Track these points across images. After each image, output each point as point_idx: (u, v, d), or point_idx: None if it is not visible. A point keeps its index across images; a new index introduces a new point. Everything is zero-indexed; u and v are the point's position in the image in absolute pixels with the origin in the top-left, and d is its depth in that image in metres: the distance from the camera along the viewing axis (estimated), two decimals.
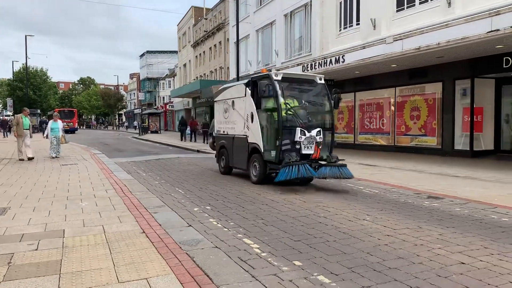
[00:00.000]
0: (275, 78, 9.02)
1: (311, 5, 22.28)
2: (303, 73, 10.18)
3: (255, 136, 9.53)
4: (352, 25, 19.60)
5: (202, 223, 5.94)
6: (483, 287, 3.65)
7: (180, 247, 4.69)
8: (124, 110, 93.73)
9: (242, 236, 5.28)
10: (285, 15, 25.14)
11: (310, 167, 8.52)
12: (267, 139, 9.37)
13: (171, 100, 59.43)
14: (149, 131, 46.53)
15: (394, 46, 13.92)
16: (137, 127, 55.40)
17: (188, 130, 30.79)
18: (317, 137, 8.96)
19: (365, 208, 6.93)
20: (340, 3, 20.37)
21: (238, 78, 24.13)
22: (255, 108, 9.55)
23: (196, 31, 48.05)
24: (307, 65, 19.61)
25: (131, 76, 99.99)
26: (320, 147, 9.10)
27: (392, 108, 18.44)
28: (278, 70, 20.21)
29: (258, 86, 9.01)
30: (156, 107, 71.03)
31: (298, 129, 8.78)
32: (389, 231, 5.50)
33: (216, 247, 4.79)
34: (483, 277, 3.87)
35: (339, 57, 17.06)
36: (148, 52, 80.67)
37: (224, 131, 11.54)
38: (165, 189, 9.09)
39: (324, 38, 21.35)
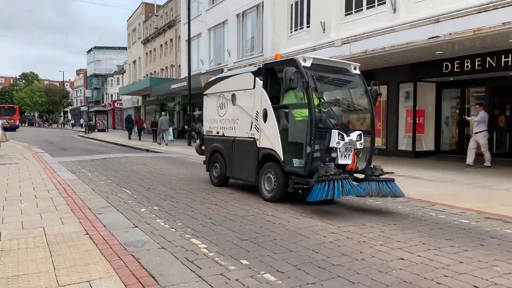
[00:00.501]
0: (303, 64, 6.86)
1: (263, 6, 22.45)
2: (335, 59, 8.24)
3: (271, 140, 7.40)
4: (303, 28, 19.94)
5: (149, 224, 5.83)
6: (420, 281, 3.83)
7: (125, 249, 4.58)
8: (70, 107, 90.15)
9: (189, 236, 5.24)
10: (238, 15, 25.17)
11: (354, 183, 6.64)
12: (290, 144, 7.24)
13: (120, 98, 57.81)
14: (96, 130, 45.05)
15: (343, 49, 14.32)
16: (84, 125, 53.47)
17: (135, 129, 30.23)
18: (358, 143, 6.98)
19: (311, 207, 7.06)
20: (292, 5, 20.66)
21: (189, 77, 23.93)
22: (270, 104, 7.46)
23: (147, 28, 47.07)
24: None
25: (78, 72, 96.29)
26: (359, 155, 7.24)
27: None
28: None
29: (284, 75, 6.61)
30: (103, 104, 68.90)
31: (335, 132, 6.73)
32: (334, 228, 5.66)
33: (163, 248, 4.72)
34: (420, 272, 4.06)
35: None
36: (96, 47, 78.03)
37: (218, 132, 9.19)
38: (111, 189, 8.83)
39: (276, 39, 21.57)
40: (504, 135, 14.98)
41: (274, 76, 7.54)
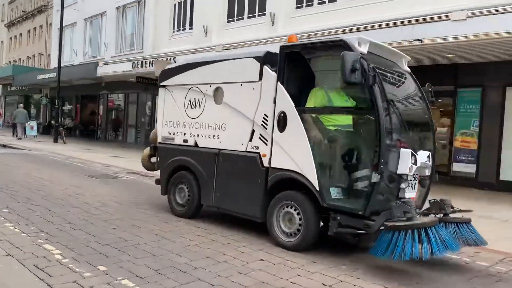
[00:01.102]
0: (360, 49, 4.76)
1: (145, 2, 21.79)
2: (390, 47, 5.71)
3: (295, 158, 5.08)
4: (185, 29, 19.81)
5: None
6: (276, 281, 4.03)
7: None
8: None
9: (43, 241, 4.79)
10: (117, 8, 24.04)
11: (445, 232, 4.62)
12: (329, 166, 5.22)
13: None
14: None
15: (223, 55, 14.57)
16: None
17: None
18: (427, 168, 4.99)
19: None
20: (175, 5, 20.42)
21: (59, 68, 22.17)
22: (293, 105, 5.17)
23: (12, 10, 42.45)
24: (137, 62, 19.18)
25: None
26: (426, 185, 5.20)
27: None
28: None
29: (342, 64, 4.42)
30: None
31: (408, 152, 4.63)
32: (201, 231, 5.69)
33: (9, 254, 4.25)
34: (277, 272, 4.27)
35: (171, 58, 17.09)
36: None
37: (186, 140, 6.53)
38: None
39: (157, 38, 21.08)
40: None
41: (298, 65, 5.44)
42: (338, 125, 5.19)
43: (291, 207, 5.13)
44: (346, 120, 5.20)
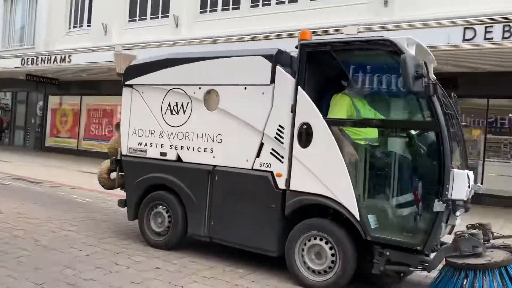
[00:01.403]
0: (411, 53, 4.01)
1: None
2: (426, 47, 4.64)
3: (326, 181, 4.19)
4: (82, 26, 18.76)
5: None
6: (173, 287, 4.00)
7: None
8: None
9: None
10: None
11: None
12: (369, 190, 4.35)
13: None
14: None
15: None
16: None
17: None
18: (476, 190, 4.33)
19: (71, 219, 6.57)
20: (71, 0, 19.26)
21: None
22: (320, 115, 4.32)
23: None
24: (28, 59, 17.76)
25: None
26: (468, 209, 4.25)
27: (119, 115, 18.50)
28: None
29: (403, 69, 3.68)
30: None
31: (464, 174, 4.00)
32: (94, 241, 5.39)
33: None
34: (172, 279, 4.21)
35: (65, 56, 16.22)
36: None
37: (164, 153, 5.28)
38: None
39: (51, 34, 19.65)
40: None
41: (323, 67, 4.66)
42: (366, 138, 4.47)
43: (320, 239, 4.23)
44: (372, 133, 4.55)
